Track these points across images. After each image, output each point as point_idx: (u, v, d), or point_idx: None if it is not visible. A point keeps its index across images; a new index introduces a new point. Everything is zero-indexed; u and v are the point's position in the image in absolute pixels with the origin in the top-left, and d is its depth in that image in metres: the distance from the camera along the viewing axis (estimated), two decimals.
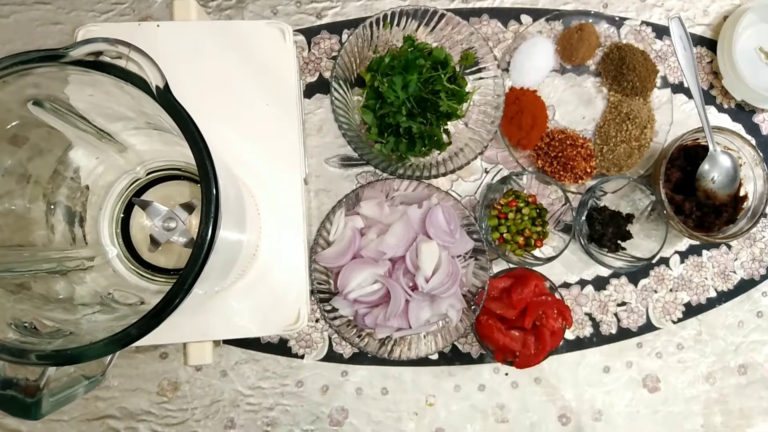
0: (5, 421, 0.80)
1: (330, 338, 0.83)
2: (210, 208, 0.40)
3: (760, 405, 0.86)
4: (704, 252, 0.88)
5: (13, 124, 0.47)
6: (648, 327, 0.86)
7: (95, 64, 0.40)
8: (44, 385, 0.41)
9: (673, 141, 0.81)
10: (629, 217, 0.84)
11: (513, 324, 0.80)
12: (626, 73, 0.84)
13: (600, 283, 0.86)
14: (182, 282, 0.39)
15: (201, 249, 0.40)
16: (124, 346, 0.39)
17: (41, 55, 0.40)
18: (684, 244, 0.87)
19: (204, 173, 0.40)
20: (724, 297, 0.87)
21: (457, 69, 0.82)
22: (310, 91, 0.85)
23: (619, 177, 0.83)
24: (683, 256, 0.87)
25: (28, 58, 0.40)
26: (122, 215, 0.63)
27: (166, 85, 0.41)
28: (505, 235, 0.82)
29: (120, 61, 0.41)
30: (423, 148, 0.80)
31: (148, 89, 0.41)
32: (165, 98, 0.41)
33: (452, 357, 0.84)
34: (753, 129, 0.89)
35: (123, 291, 0.58)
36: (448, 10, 0.78)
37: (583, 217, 0.84)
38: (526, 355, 0.78)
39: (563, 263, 0.86)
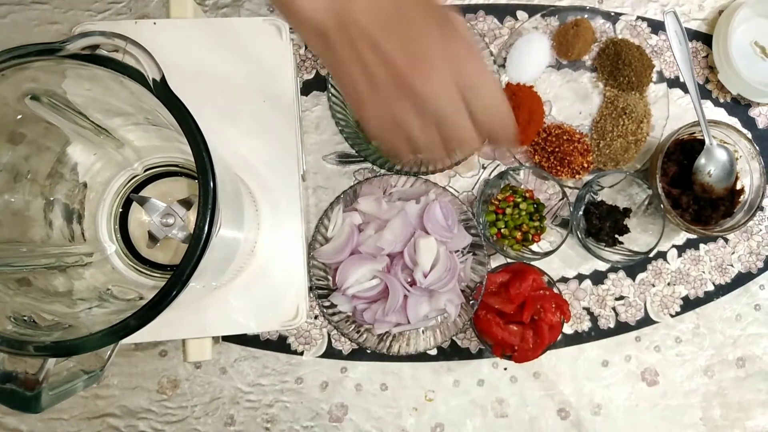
0: (5, 421, 0.80)
1: (329, 335, 0.83)
2: (207, 200, 0.41)
3: (758, 398, 0.86)
4: (701, 246, 0.88)
5: (11, 119, 0.47)
6: (646, 321, 0.86)
7: (92, 58, 0.41)
8: (43, 378, 0.41)
9: (670, 135, 0.81)
10: (626, 212, 0.85)
11: (511, 318, 0.80)
12: (622, 68, 0.84)
13: (598, 278, 0.86)
14: (180, 273, 0.39)
15: (198, 240, 0.40)
16: (122, 337, 0.39)
17: (38, 49, 0.40)
18: (681, 238, 0.88)
19: (201, 165, 0.41)
20: (721, 290, 0.87)
21: None
22: (307, 88, 0.85)
23: (615, 171, 0.84)
24: (681, 250, 0.88)
25: (26, 52, 0.40)
26: (120, 210, 0.63)
27: (163, 78, 0.41)
28: (502, 230, 0.82)
29: (117, 54, 0.41)
30: None
31: (145, 82, 0.41)
32: (162, 91, 0.41)
33: (451, 352, 0.84)
34: (749, 123, 0.90)
35: (121, 287, 0.58)
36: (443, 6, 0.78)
37: (581, 212, 0.84)
38: (525, 350, 0.78)
39: (561, 258, 0.86)
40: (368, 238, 0.78)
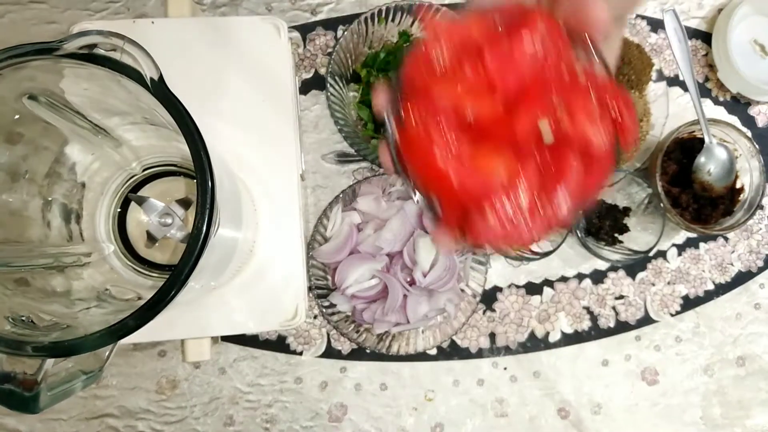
0: (4, 421, 0.80)
1: (328, 334, 0.83)
2: (205, 200, 0.40)
3: (758, 396, 0.86)
4: (701, 245, 0.88)
5: (9, 119, 0.47)
6: (646, 320, 0.86)
7: (89, 57, 0.40)
8: (42, 379, 0.41)
9: (669, 134, 0.81)
10: (626, 210, 0.85)
11: (489, 133, 0.35)
12: (621, 66, 0.84)
13: (598, 277, 0.86)
14: (178, 273, 0.39)
15: (197, 240, 0.40)
16: (120, 337, 0.38)
17: (36, 48, 0.40)
18: (681, 236, 0.88)
19: (199, 164, 0.41)
20: (721, 289, 0.87)
21: None
22: (306, 87, 0.85)
23: (615, 170, 0.83)
24: (680, 248, 0.87)
25: (23, 51, 0.40)
26: (119, 210, 0.63)
27: (161, 77, 0.41)
28: None
29: (114, 53, 0.41)
30: None
31: (142, 81, 0.41)
32: (160, 90, 0.41)
33: (450, 352, 0.84)
34: (748, 121, 0.89)
35: (120, 287, 0.58)
36: (442, 5, 0.78)
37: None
38: (513, 214, 0.35)
39: (561, 257, 0.86)
40: (367, 238, 0.78)
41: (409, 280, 0.78)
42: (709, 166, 0.81)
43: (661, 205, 0.79)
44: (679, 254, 0.87)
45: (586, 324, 0.86)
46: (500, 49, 0.34)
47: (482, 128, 0.35)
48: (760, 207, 0.81)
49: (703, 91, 0.89)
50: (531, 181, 0.35)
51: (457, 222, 0.36)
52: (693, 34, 0.90)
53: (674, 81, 0.88)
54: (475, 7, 0.37)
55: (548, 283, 0.85)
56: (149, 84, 0.41)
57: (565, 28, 0.35)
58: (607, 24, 0.34)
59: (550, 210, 0.35)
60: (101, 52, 0.41)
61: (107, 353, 0.44)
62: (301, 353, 0.82)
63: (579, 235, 0.82)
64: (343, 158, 0.84)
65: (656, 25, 0.88)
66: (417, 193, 0.37)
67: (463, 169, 0.34)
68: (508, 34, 0.35)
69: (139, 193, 0.64)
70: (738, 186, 0.84)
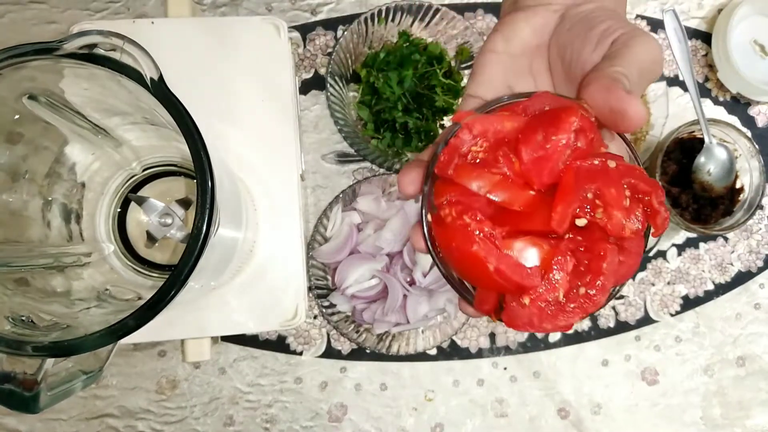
0: (4, 421, 0.80)
1: (328, 334, 0.83)
2: (205, 200, 0.40)
3: (758, 396, 0.86)
4: (701, 245, 0.88)
5: (9, 119, 0.47)
6: (646, 320, 0.86)
7: (89, 57, 0.40)
8: (42, 378, 0.41)
9: (669, 134, 0.81)
10: None
11: (522, 224, 0.36)
12: None
13: None
14: (178, 273, 0.39)
15: (196, 240, 0.40)
16: (120, 337, 0.38)
17: (35, 48, 0.40)
18: (681, 236, 0.88)
19: (199, 164, 0.41)
20: (721, 289, 0.87)
21: (453, 64, 0.82)
22: (305, 87, 0.85)
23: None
24: (680, 248, 0.87)
25: (23, 51, 0.40)
26: (119, 210, 0.63)
27: (161, 77, 0.41)
28: None
29: (114, 53, 0.41)
30: (419, 144, 0.80)
31: (142, 81, 0.41)
32: (160, 90, 0.41)
33: (451, 352, 0.84)
34: (748, 121, 0.90)
35: (120, 287, 0.58)
36: (442, 5, 0.78)
37: None
38: (551, 300, 0.35)
39: None
40: (367, 238, 0.78)
41: (409, 280, 0.78)
42: (709, 166, 0.81)
43: None
44: (679, 254, 0.87)
45: (585, 324, 0.86)
46: (534, 143, 0.36)
47: (516, 216, 0.36)
48: (760, 207, 0.81)
49: (703, 91, 0.89)
50: (566, 268, 0.36)
51: (493, 306, 0.38)
52: (693, 34, 0.90)
53: (674, 81, 0.89)
54: (507, 101, 0.39)
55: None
56: (149, 84, 0.41)
57: (596, 118, 0.36)
58: (644, 121, 0.35)
59: (586, 295, 0.35)
60: (101, 52, 0.41)
61: (107, 353, 0.44)
62: (301, 353, 0.82)
63: None
64: (343, 158, 0.84)
65: (656, 25, 0.88)
66: (450, 277, 0.39)
67: (499, 256, 0.35)
68: (542, 128, 0.36)
69: (139, 193, 0.64)
70: (738, 186, 0.84)
